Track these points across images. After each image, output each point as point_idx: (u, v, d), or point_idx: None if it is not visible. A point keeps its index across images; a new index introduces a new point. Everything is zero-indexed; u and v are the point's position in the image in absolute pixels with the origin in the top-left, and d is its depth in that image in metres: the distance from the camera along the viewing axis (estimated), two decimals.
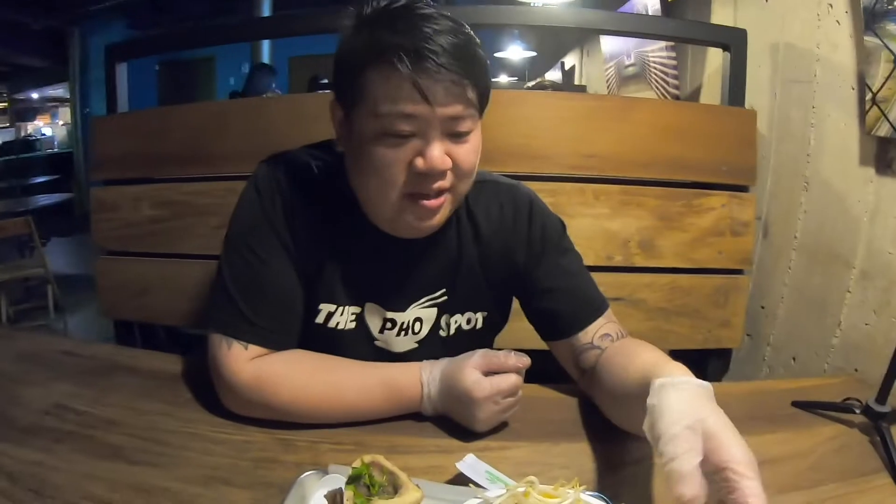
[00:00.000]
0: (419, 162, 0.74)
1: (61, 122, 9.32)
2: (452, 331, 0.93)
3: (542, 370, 0.87)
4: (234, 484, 0.69)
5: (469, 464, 0.76)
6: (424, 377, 0.81)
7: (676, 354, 1.34)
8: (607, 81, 3.20)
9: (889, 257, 1.19)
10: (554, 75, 5.52)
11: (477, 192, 0.88)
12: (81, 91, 7.68)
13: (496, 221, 0.90)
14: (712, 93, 1.79)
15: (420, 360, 0.84)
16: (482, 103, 0.79)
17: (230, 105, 1.96)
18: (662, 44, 2.23)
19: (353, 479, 0.59)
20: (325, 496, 0.62)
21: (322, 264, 0.86)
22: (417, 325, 0.91)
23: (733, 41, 1.44)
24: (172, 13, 6.57)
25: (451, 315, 0.92)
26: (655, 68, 2.43)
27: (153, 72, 7.21)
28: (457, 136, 0.76)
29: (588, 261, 0.96)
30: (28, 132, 9.33)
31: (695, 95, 2.05)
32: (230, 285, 0.81)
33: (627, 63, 2.84)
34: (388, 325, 0.90)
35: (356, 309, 0.89)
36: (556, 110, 1.41)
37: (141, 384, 0.91)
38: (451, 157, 0.75)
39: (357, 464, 0.60)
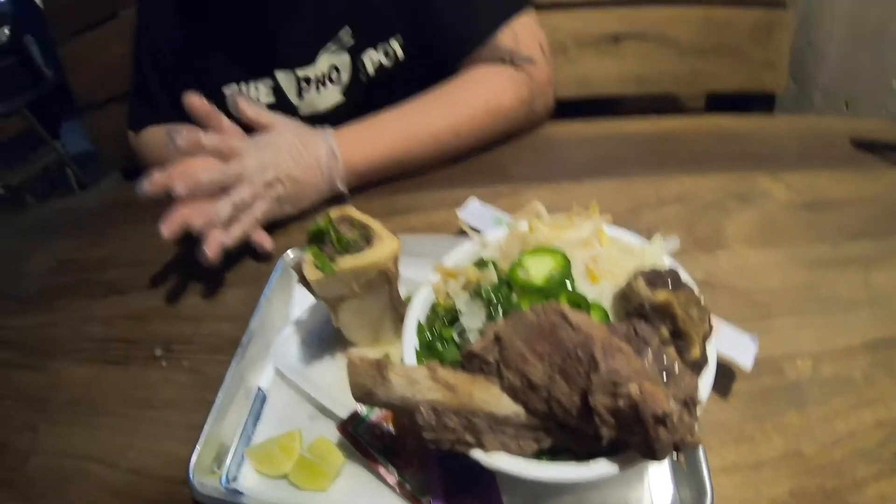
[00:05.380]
0: None
1: None
2: (372, 71, 0.85)
3: None
4: (228, 283, 0.68)
5: (472, 210, 0.67)
6: None
7: (715, 98, 1.21)
8: None
9: None
10: None
11: None
12: None
13: None
14: None
15: (349, 115, 0.76)
16: None
17: None
18: None
19: (314, 239, 0.50)
20: (293, 267, 0.55)
21: (201, 43, 0.84)
22: (335, 73, 0.85)
23: None
24: None
25: (364, 52, 0.84)
26: None
27: None
28: None
29: None
30: None
31: None
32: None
33: None
34: (304, 84, 0.85)
35: (268, 81, 0.85)
36: None
37: (133, 216, 0.81)
38: None
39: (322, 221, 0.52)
